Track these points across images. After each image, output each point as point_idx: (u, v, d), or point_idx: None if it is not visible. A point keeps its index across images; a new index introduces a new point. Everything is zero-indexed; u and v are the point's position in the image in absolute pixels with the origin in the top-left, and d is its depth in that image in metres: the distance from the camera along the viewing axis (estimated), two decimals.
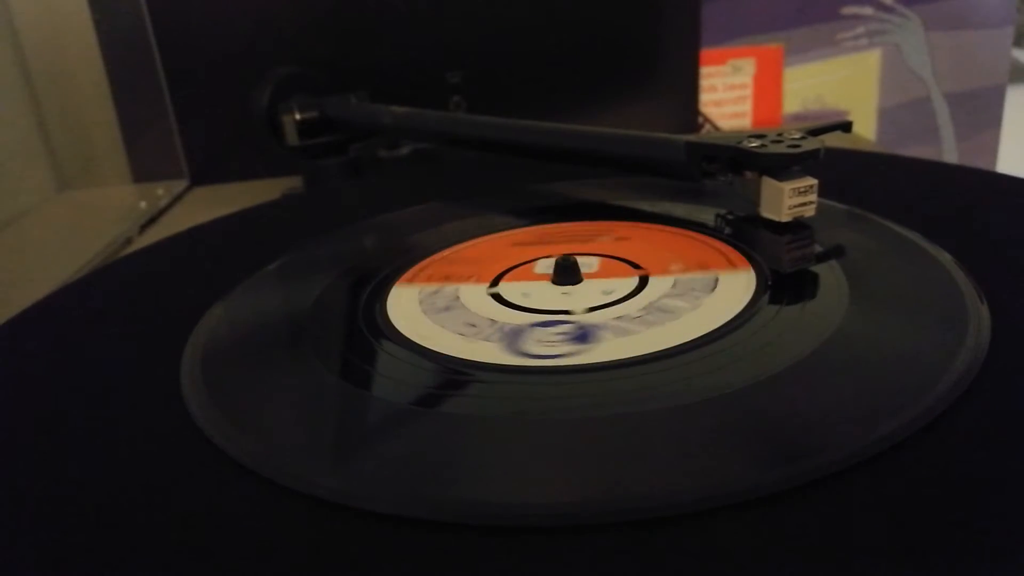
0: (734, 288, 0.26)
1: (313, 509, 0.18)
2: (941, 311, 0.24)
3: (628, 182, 0.38)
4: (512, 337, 0.25)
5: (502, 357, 0.24)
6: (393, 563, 0.16)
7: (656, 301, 0.26)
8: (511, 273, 0.30)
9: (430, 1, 0.62)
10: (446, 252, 0.33)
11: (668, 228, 0.33)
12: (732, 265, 0.28)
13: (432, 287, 0.30)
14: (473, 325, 0.26)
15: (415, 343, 0.25)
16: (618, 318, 0.25)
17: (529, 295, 0.28)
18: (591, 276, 0.29)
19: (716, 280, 0.27)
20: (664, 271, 0.28)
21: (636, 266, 0.29)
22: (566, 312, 0.26)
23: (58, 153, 0.69)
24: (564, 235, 0.34)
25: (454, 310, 0.28)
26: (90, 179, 0.70)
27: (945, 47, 0.79)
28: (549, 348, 0.24)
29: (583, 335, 0.25)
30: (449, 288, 0.29)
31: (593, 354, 0.23)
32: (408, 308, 0.28)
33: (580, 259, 0.29)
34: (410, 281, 0.30)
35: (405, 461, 0.19)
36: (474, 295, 0.29)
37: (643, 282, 0.28)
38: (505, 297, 0.28)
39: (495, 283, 0.29)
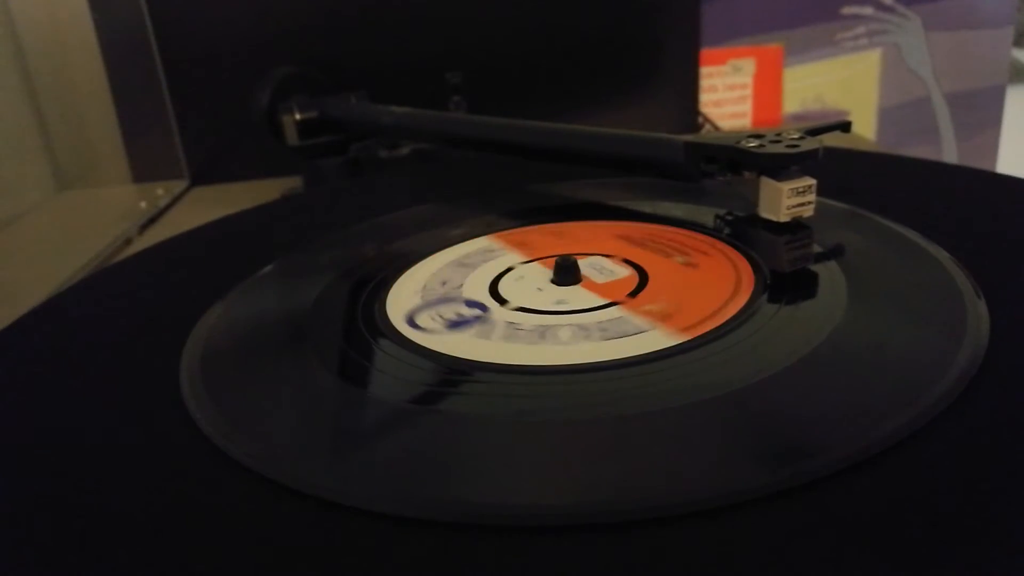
0: (647, 341, 0.24)
1: (312, 509, 0.18)
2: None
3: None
4: (428, 305, 0.28)
5: (401, 326, 0.27)
6: (392, 563, 0.16)
7: (554, 326, 0.26)
8: (551, 258, 0.31)
9: (430, 1, 0.62)
10: (554, 224, 0.35)
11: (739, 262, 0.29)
12: (686, 328, 0.25)
13: (496, 244, 0.33)
14: (443, 283, 0.30)
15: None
16: (512, 323, 0.26)
17: (522, 279, 0.30)
18: (593, 287, 0.28)
19: (641, 331, 0.25)
20: (634, 306, 0.27)
21: (641, 287, 0.28)
22: (503, 302, 0.28)
23: (58, 153, 0.69)
24: (661, 241, 0.32)
25: (466, 267, 0.31)
26: (90, 179, 0.70)
27: (945, 47, 0.79)
28: (430, 324, 0.27)
29: (460, 323, 0.26)
30: (500, 251, 0.32)
31: (451, 343, 0.25)
32: (449, 256, 0.32)
33: (614, 266, 0.30)
34: (495, 238, 0.33)
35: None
36: (497, 264, 0.31)
37: (606, 306, 0.27)
38: (505, 275, 0.30)
39: (529, 261, 0.31)
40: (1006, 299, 0.24)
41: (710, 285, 0.27)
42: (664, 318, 0.25)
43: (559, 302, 0.27)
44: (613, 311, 0.26)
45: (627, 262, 0.30)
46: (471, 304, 0.28)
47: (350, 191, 0.49)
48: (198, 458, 0.20)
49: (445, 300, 0.28)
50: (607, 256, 0.31)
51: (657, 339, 0.24)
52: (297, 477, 0.19)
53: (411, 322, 0.27)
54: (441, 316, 0.27)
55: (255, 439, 0.21)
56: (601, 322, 0.26)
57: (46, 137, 0.68)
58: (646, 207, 0.36)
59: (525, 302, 0.28)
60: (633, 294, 0.27)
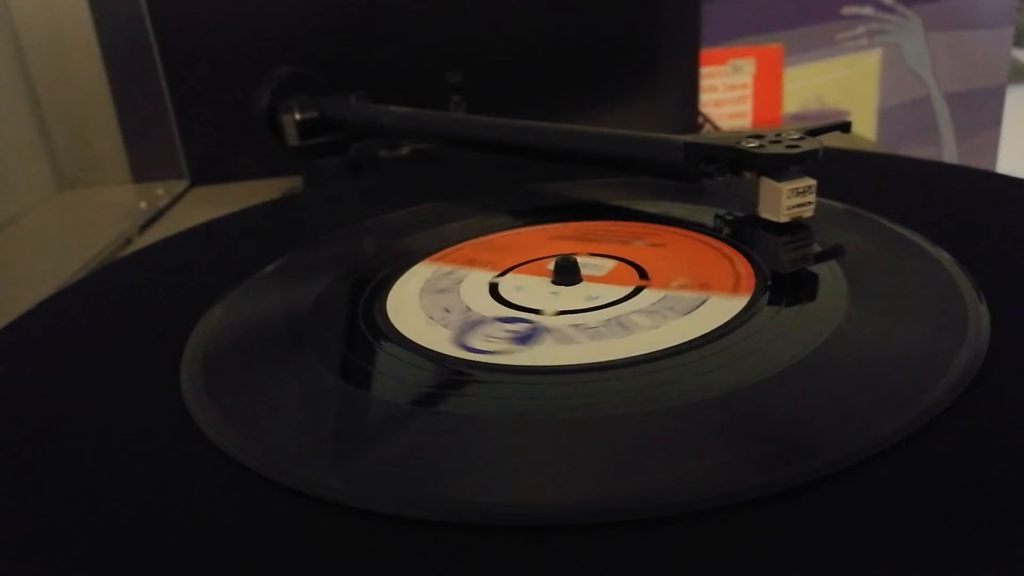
0: (716, 312, 0.25)
1: (312, 509, 0.18)
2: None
3: (652, 183, 0.38)
4: (464, 329, 0.26)
5: (449, 348, 0.25)
6: (392, 563, 0.16)
7: (624, 316, 0.26)
8: (525, 266, 0.31)
9: (430, 1, 0.62)
10: (485, 237, 0.34)
11: (699, 238, 0.32)
12: (734, 289, 0.27)
13: (448, 268, 0.31)
14: (447, 311, 0.27)
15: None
16: (575, 325, 0.25)
17: (522, 289, 0.29)
18: (595, 279, 0.29)
19: (703, 302, 0.26)
20: (664, 285, 0.28)
21: (644, 275, 0.29)
22: (535, 312, 0.27)
23: (58, 153, 0.69)
24: (602, 234, 0.33)
25: (447, 293, 0.29)
26: (90, 179, 0.70)
27: (945, 47, 0.79)
28: (491, 345, 0.25)
29: (526, 337, 0.25)
30: (461, 271, 0.31)
31: (528, 356, 0.24)
32: (412, 286, 0.30)
33: (595, 261, 0.30)
34: (435, 261, 0.32)
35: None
36: (476, 283, 0.30)
37: (636, 292, 0.27)
38: (500, 290, 0.29)
39: (503, 273, 0.30)
40: (1007, 299, 0.24)
41: (697, 255, 0.27)
42: (702, 286, 0.26)
43: (589, 298, 0.27)
44: (652, 294, 0.27)
45: (639, 269, 0.30)
46: (509, 320, 0.26)
47: (350, 191, 0.49)
48: (198, 458, 0.20)
49: (476, 323, 0.26)
50: (623, 260, 0.31)
51: (722, 305, 0.25)
52: (297, 477, 0.19)
53: (467, 347, 0.25)
54: (493, 336, 0.25)
55: (255, 439, 0.21)
56: (655, 304, 0.26)
57: (46, 137, 0.68)
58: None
59: (561, 306, 0.27)
60: (644, 277, 0.28)
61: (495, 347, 0.24)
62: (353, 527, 0.17)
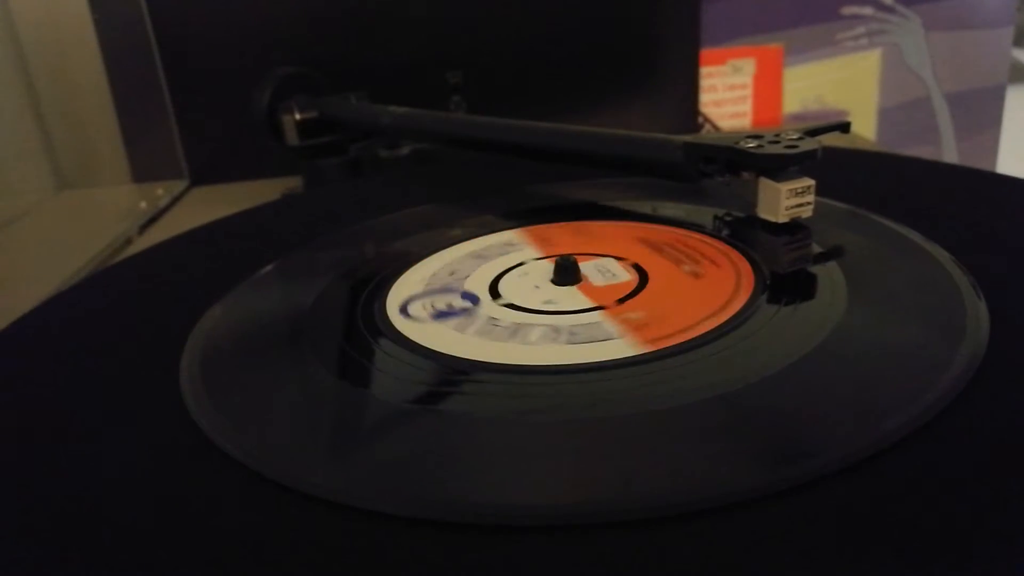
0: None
1: (313, 509, 0.18)
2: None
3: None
4: (421, 295, 0.28)
5: (394, 313, 0.27)
6: (392, 562, 0.16)
7: (531, 326, 0.26)
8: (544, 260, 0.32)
9: (430, 1, 0.62)
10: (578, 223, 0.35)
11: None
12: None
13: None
14: (436, 275, 0.30)
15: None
16: (492, 319, 0.26)
17: (527, 275, 0.30)
18: (591, 289, 0.28)
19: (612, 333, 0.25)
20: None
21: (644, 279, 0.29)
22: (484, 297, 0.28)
23: (58, 153, 0.69)
24: (679, 247, 0.31)
25: (449, 291, 0.30)
26: (90, 179, 0.70)
27: (945, 47, 0.79)
28: (419, 312, 0.27)
29: (444, 314, 0.27)
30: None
31: (423, 332, 0.26)
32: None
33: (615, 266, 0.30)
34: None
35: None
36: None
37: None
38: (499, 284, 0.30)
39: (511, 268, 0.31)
40: (1006, 299, 0.24)
41: (701, 298, 0.27)
42: (638, 328, 0.25)
43: (548, 302, 0.27)
44: (593, 316, 0.26)
45: (635, 266, 0.30)
46: (466, 296, 0.28)
47: (350, 191, 0.49)
48: (199, 458, 0.21)
49: (444, 290, 0.29)
50: (618, 258, 0.30)
51: (620, 348, 0.24)
52: (297, 477, 0.19)
53: (404, 310, 0.27)
54: (433, 305, 0.28)
55: (255, 439, 0.21)
56: (575, 326, 0.25)
57: (46, 137, 0.68)
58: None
59: (515, 299, 0.28)
60: (623, 300, 0.27)
61: (419, 316, 0.27)
62: (352, 527, 0.17)
